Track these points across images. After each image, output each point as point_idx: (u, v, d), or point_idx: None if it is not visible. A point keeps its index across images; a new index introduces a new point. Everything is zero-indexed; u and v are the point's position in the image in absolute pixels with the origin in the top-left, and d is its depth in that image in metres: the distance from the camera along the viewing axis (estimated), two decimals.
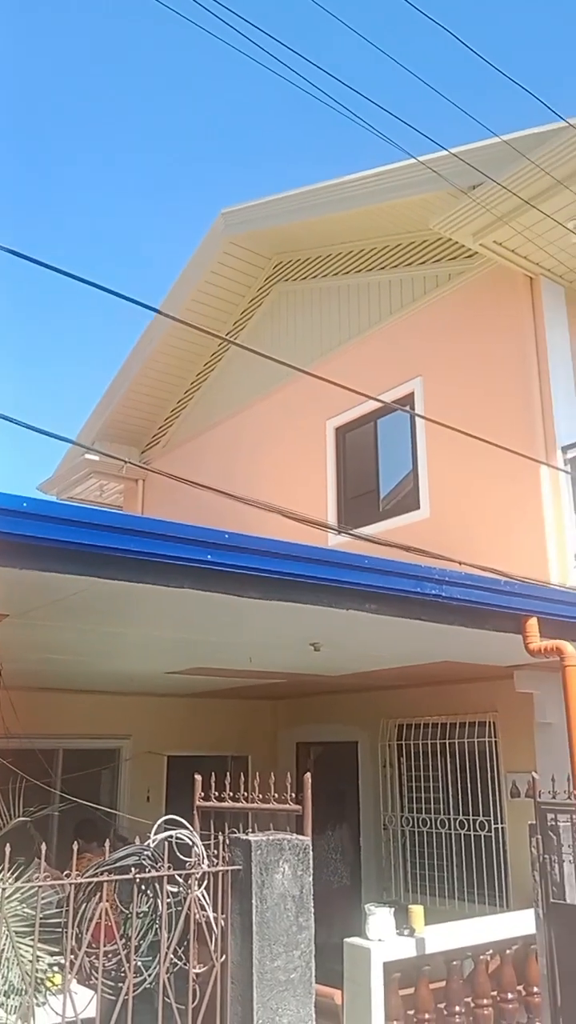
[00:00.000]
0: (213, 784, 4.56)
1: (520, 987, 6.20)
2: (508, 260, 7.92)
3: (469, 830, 8.00)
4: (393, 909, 5.91)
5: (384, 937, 5.71)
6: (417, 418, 9.17)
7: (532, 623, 5.59)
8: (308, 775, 4.29)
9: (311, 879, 4.01)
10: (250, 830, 4.18)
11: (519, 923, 5.90)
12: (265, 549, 4.33)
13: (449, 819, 8.23)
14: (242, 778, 4.60)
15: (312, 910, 4.00)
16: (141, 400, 12.96)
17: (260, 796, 4.40)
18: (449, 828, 8.22)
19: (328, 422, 10.23)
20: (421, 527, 8.54)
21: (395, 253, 9.76)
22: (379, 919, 5.76)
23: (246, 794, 4.48)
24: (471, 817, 8.00)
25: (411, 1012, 5.76)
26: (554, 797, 4.87)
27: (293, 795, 4.29)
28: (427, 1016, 5.76)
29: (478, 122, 5.21)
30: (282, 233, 10.69)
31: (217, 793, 4.54)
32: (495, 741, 7.95)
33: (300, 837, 4.05)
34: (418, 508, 8.95)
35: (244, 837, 3.96)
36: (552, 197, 6.96)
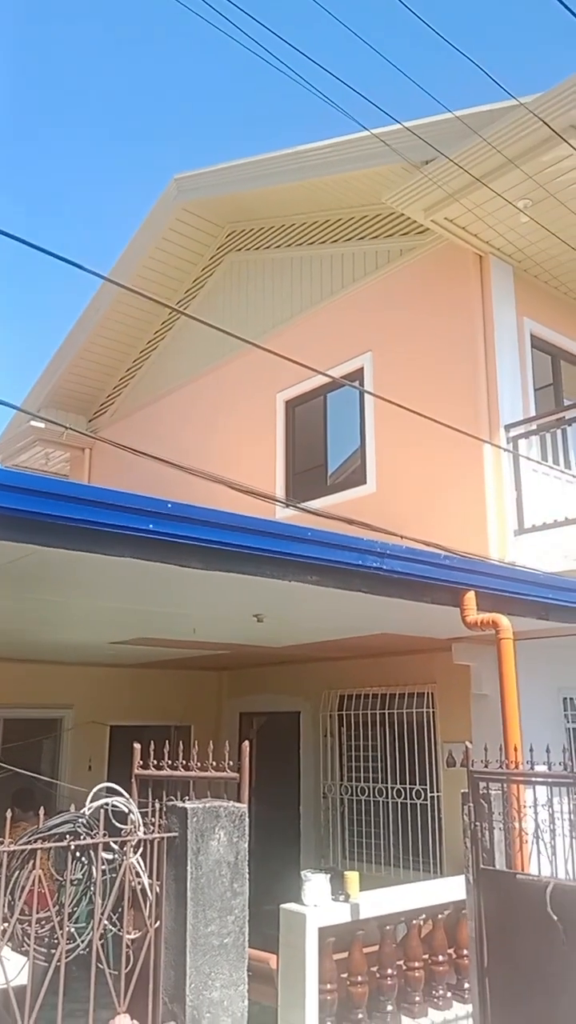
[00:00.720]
0: (152, 753, 4.57)
1: (451, 950, 6.39)
2: (458, 237, 7.94)
3: (406, 798, 8.18)
4: (329, 876, 6.02)
5: (320, 903, 5.82)
6: (366, 393, 9.21)
7: (470, 596, 5.69)
8: (246, 743, 4.33)
9: (247, 846, 4.05)
10: (188, 798, 4.20)
11: (451, 889, 6.06)
12: (207, 519, 4.32)
13: (387, 788, 8.39)
14: (181, 747, 4.62)
15: (247, 876, 4.05)
16: (89, 367, 12.76)
17: (198, 764, 4.43)
18: (387, 797, 8.39)
19: (278, 395, 10.21)
20: (368, 501, 8.61)
21: (348, 226, 9.72)
22: (315, 885, 5.86)
23: (185, 762, 4.50)
24: (408, 786, 8.17)
25: (344, 975, 5.90)
26: (486, 766, 5.00)
27: (231, 763, 4.33)
28: (360, 979, 5.91)
29: (431, 96, 5.19)
30: (235, 201, 10.56)
31: (156, 761, 4.55)
32: (433, 712, 8.11)
33: (236, 804, 4.09)
34: (365, 483, 9.02)
35: (180, 804, 3.98)
36: (503, 176, 6.98)
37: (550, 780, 4.75)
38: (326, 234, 10.02)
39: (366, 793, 8.62)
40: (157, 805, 4.05)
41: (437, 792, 7.88)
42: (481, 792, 4.98)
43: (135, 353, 12.66)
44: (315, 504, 8.40)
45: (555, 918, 4.37)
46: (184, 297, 11.83)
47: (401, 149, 7.22)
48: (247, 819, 4.07)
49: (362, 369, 9.30)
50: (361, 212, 9.46)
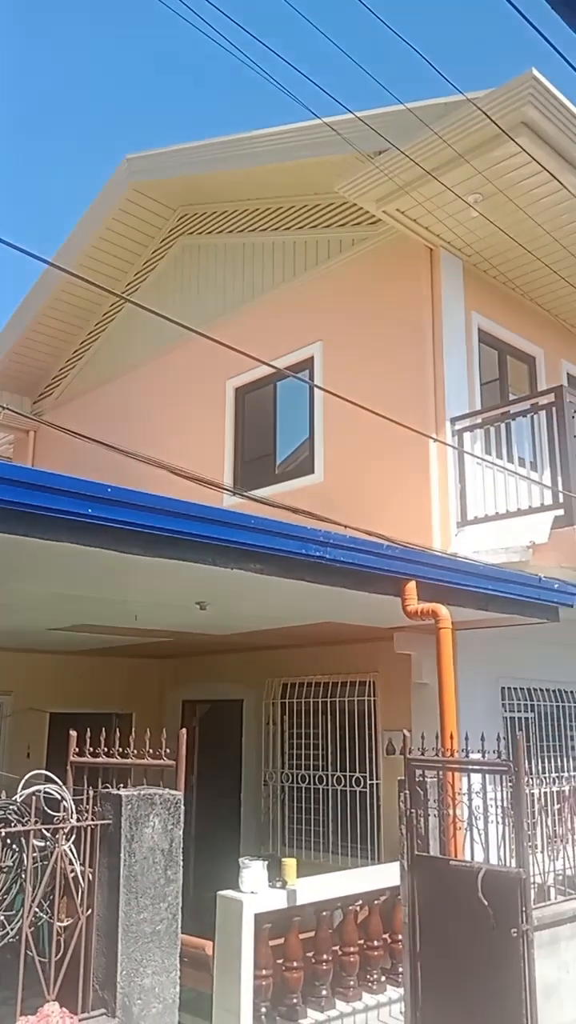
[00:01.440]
0: (89, 740, 4.53)
1: (386, 935, 6.48)
2: (410, 229, 7.97)
3: (346, 786, 8.24)
4: (267, 862, 6.05)
5: (257, 889, 5.84)
6: (316, 381, 9.20)
7: (411, 586, 5.74)
8: (183, 731, 4.31)
9: (181, 833, 4.04)
10: (123, 786, 4.17)
11: (388, 875, 6.13)
12: (148, 505, 4.27)
13: (327, 775, 8.45)
14: (118, 734, 4.58)
15: (181, 863, 4.04)
16: (35, 348, 12.51)
17: (135, 752, 4.39)
18: (327, 784, 8.44)
19: (228, 382, 10.15)
20: (315, 491, 8.63)
21: (302, 214, 9.68)
22: (252, 872, 5.88)
23: (121, 750, 4.47)
24: (349, 773, 8.24)
25: (280, 961, 5.94)
26: (423, 754, 5.06)
27: (168, 751, 4.30)
28: (295, 964, 5.96)
29: (383, 87, 5.17)
30: (188, 184, 10.43)
31: (92, 749, 4.50)
32: (374, 700, 8.18)
33: (172, 792, 4.07)
34: (313, 472, 9.03)
35: (115, 792, 3.95)
36: (453, 170, 7.01)
37: (485, 768, 4.84)
38: (279, 221, 9.97)
39: (307, 780, 8.66)
40: (92, 793, 4.01)
41: (377, 780, 7.96)
42: (417, 779, 5.05)
43: (83, 335, 12.45)
44: (263, 492, 8.38)
45: (485, 903, 4.46)
46: (134, 279, 11.67)
47: (354, 139, 7.20)
48: (182, 806, 4.06)
49: (312, 358, 9.29)
50: (314, 200, 9.43)
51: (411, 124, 6.93)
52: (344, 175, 7.73)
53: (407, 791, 5.02)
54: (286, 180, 9.45)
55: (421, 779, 5.05)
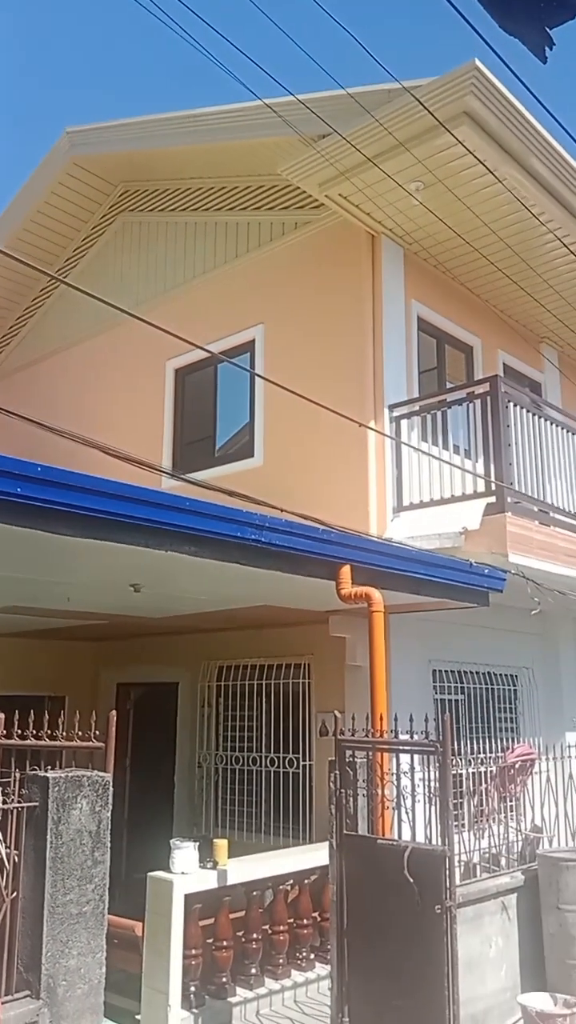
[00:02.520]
0: (17, 722, 4.46)
1: (316, 914, 6.59)
2: (352, 215, 7.98)
3: (279, 767, 8.31)
4: (198, 843, 6.08)
5: (187, 870, 5.88)
6: (257, 364, 9.17)
7: (345, 570, 5.80)
8: (112, 713, 4.29)
9: (109, 815, 4.03)
10: (52, 768, 4.13)
11: (319, 855, 6.22)
12: (80, 485, 4.21)
13: (261, 757, 8.51)
14: (47, 717, 4.53)
15: (109, 845, 4.03)
16: None
17: (64, 734, 4.35)
18: (261, 766, 8.50)
19: (168, 363, 10.05)
20: (255, 474, 8.62)
21: (245, 194, 9.61)
22: (183, 853, 5.91)
23: (50, 732, 4.42)
24: (282, 755, 8.31)
25: (210, 940, 5.99)
26: (353, 735, 5.14)
27: (97, 733, 4.28)
28: (225, 944, 6.02)
29: (324, 71, 5.15)
30: (130, 160, 10.26)
31: (20, 731, 4.44)
32: (309, 683, 8.26)
33: (100, 774, 4.05)
34: (253, 456, 9.02)
35: (42, 774, 3.91)
36: (395, 157, 7.03)
37: (413, 748, 4.93)
38: (222, 201, 9.88)
39: (241, 762, 8.71)
40: (19, 775, 3.97)
41: (310, 761, 8.05)
42: (347, 760, 5.12)
43: (18, 310, 12.17)
44: (202, 475, 8.35)
45: (411, 880, 4.56)
46: (73, 255, 11.45)
47: (298, 122, 7.16)
48: (111, 788, 4.04)
49: (254, 341, 9.26)
50: (258, 181, 9.37)
51: (356, 110, 6.92)
52: (288, 157, 7.69)
53: (337, 771, 5.08)
54: (230, 160, 9.36)
55: (351, 760, 5.13)
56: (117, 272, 11.03)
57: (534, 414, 7.79)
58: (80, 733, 4.33)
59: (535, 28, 1.45)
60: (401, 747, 5.01)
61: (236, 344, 9.35)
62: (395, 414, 7.95)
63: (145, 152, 9.93)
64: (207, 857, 6.12)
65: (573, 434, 8.27)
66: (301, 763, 8.14)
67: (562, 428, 8.15)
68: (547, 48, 1.47)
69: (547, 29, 1.47)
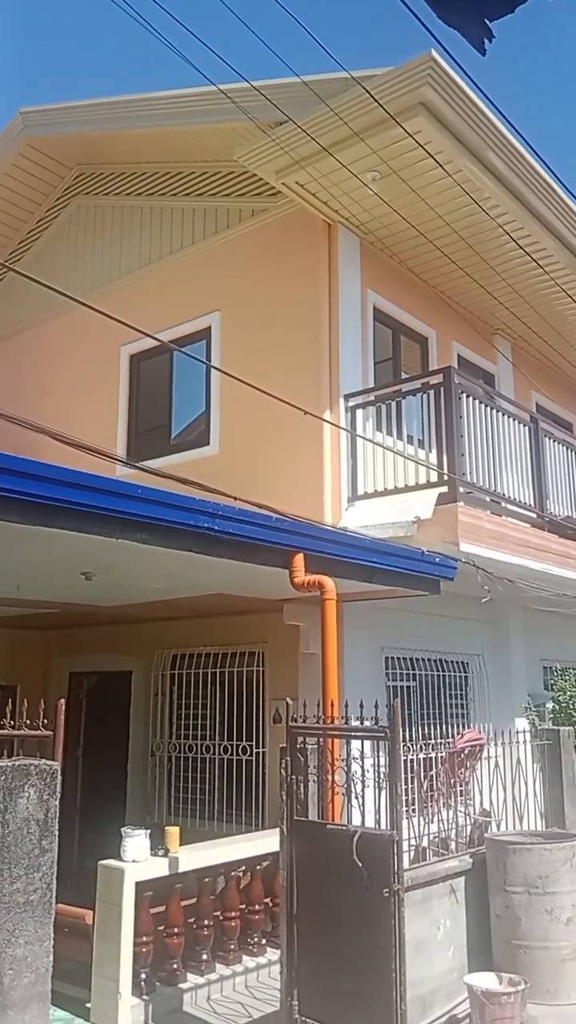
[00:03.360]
0: None
1: (267, 899, 6.64)
2: (309, 203, 7.97)
3: (233, 755, 8.33)
4: (150, 831, 6.08)
5: (138, 858, 5.87)
6: (213, 352, 9.14)
7: (299, 559, 5.82)
8: (61, 702, 4.26)
9: (57, 803, 4.00)
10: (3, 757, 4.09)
11: (271, 841, 6.25)
12: (25, 471, 4.16)
13: (215, 745, 8.52)
14: None
15: (57, 833, 4.00)
16: None
17: (11, 723, 4.31)
18: (214, 753, 8.52)
19: (123, 348, 9.95)
20: (211, 463, 8.59)
21: (202, 180, 9.53)
22: (135, 841, 5.90)
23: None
24: (236, 743, 8.33)
25: (161, 928, 6.00)
26: (304, 721, 5.17)
27: (45, 722, 4.24)
28: (176, 930, 6.04)
29: (280, 58, 5.13)
30: (85, 142, 10.10)
31: None
32: (263, 670, 8.28)
33: (49, 762, 4.02)
34: (208, 444, 8.98)
35: None
36: (350, 147, 7.03)
37: (363, 734, 4.98)
38: (179, 186, 9.79)
39: (194, 750, 8.71)
40: None
41: (263, 748, 8.08)
42: (299, 746, 5.15)
43: None
44: (157, 463, 8.28)
45: (360, 864, 4.61)
46: (27, 237, 11.26)
47: (255, 108, 7.12)
48: (59, 777, 4.02)
49: (210, 328, 9.21)
50: (215, 167, 9.30)
51: (314, 97, 6.90)
52: (245, 144, 7.65)
53: (288, 758, 5.11)
54: (186, 145, 9.28)
55: (302, 746, 5.16)
56: (72, 256, 10.88)
57: (487, 406, 7.88)
58: (28, 722, 4.30)
59: (475, 21, 1.47)
60: (351, 733, 5.06)
61: (192, 331, 9.29)
62: (351, 403, 7.98)
63: (100, 135, 9.80)
64: (159, 845, 6.12)
65: (524, 426, 8.39)
66: (254, 750, 8.17)
67: (514, 420, 8.26)
68: (486, 41, 1.48)
69: (487, 22, 1.49)
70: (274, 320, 8.56)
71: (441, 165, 7.05)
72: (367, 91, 6.22)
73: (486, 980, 5.43)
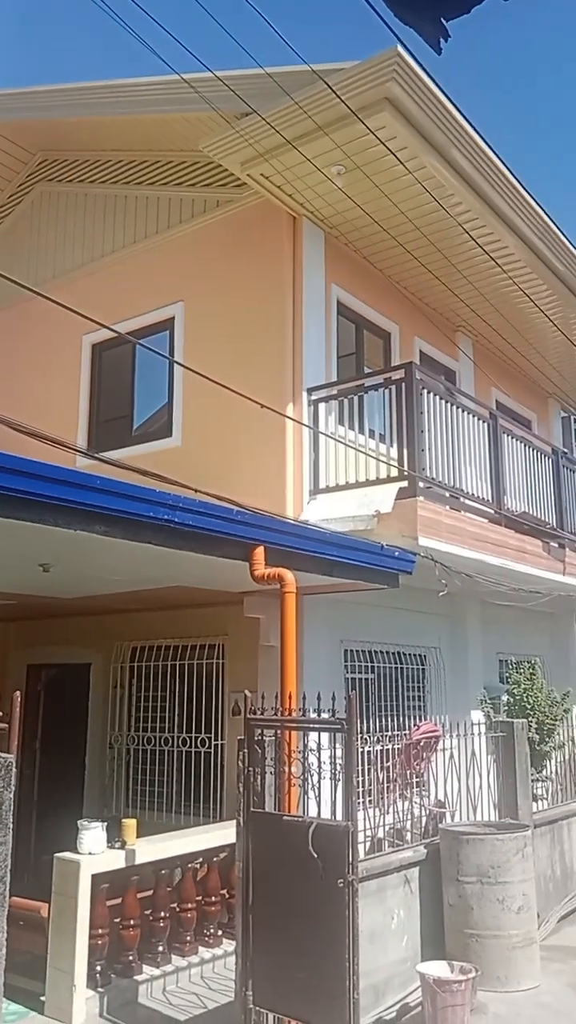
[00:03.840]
0: None
1: (224, 891, 6.66)
2: (274, 196, 7.96)
3: (192, 747, 8.33)
4: (106, 824, 6.06)
5: (95, 851, 5.86)
6: (177, 343, 9.09)
7: (259, 551, 5.83)
8: (17, 693, 4.21)
9: (11, 796, 3.96)
10: None
11: (228, 833, 6.26)
12: None
13: (174, 737, 8.51)
14: None
15: (11, 826, 3.96)
16: None
17: None
18: (173, 746, 8.50)
19: (85, 337, 9.85)
20: (173, 455, 8.56)
21: (167, 169, 9.46)
22: (91, 834, 5.88)
23: None
24: (195, 735, 8.32)
25: (117, 920, 5.99)
26: (262, 713, 5.19)
27: (0, 714, 4.19)
28: (132, 922, 6.03)
29: (244, 49, 5.10)
30: (50, 128, 9.97)
31: None
32: (223, 663, 8.28)
33: (3, 754, 3.97)
34: (171, 436, 8.95)
35: None
36: (314, 141, 7.02)
37: (320, 726, 5.01)
38: (144, 175, 9.70)
39: (153, 743, 8.69)
40: None
41: (222, 741, 8.09)
42: (256, 738, 5.17)
43: None
44: (118, 454, 8.21)
45: (315, 855, 4.64)
46: None
47: (219, 99, 7.08)
48: (14, 769, 3.97)
49: (173, 319, 9.16)
50: (181, 157, 9.23)
51: (280, 90, 6.88)
52: (211, 134, 7.61)
53: (246, 750, 5.13)
54: (153, 133, 9.20)
55: (260, 738, 5.17)
56: (34, 243, 10.74)
57: (448, 402, 7.95)
58: None
59: (431, 20, 1.48)
60: (308, 725, 5.09)
61: (155, 321, 9.24)
62: (313, 397, 8.00)
63: (65, 121, 9.67)
64: (116, 837, 6.11)
65: (484, 422, 8.49)
66: (213, 743, 8.18)
67: (474, 416, 8.35)
68: (442, 40, 1.50)
69: (443, 21, 1.50)
70: (238, 311, 8.54)
71: (402, 163, 7.08)
72: (329, 87, 6.22)
73: (438, 968, 5.52)
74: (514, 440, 8.96)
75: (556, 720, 8.56)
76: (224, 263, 8.79)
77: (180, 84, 7.69)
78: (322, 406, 7.98)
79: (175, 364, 8.93)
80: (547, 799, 8.30)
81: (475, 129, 7.29)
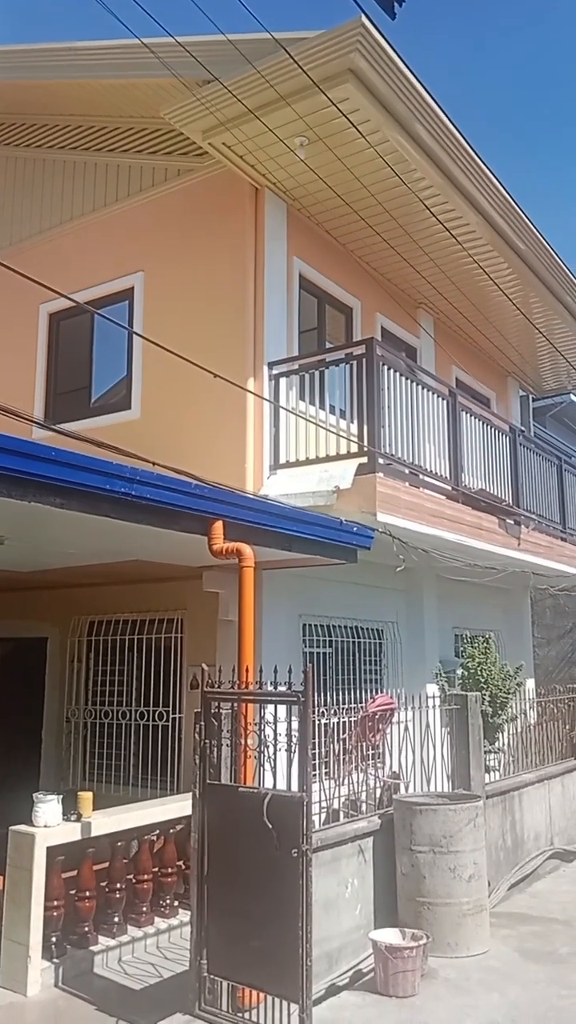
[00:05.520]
0: None
1: (181, 862, 6.70)
2: (236, 165, 7.85)
3: (149, 721, 8.34)
4: (63, 797, 6.06)
5: (50, 823, 5.85)
6: (136, 314, 8.97)
7: (218, 526, 5.82)
8: None
9: None
10: None
11: (185, 805, 6.29)
12: None
13: (131, 711, 8.51)
14: None
15: None
16: None
17: None
18: (130, 719, 8.51)
19: (42, 306, 9.68)
20: (132, 427, 8.48)
21: (128, 136, 9.28)
22: (46, 807, 5.87)
23: None
24: (153, 708, 8.33)
25: (73, 892, 6.00)
26: (219, 687, 5.21)
27: None
28: (88, 894, 6.05)
29: (206, 16, 4.99)
30: (7, 90, 9.69)
31: None
32: (182, 637, 8.28)
33: None
34: (130, 408, 8.86)
35: None
36: (277, 111, 6.92)
37: (276, 699, 5.05)
38: (104, 141, 9.51)
39: (110, 716, 8.68)
40: None
41: (179, 714, 8.11)
42: (213, 711, 5.20)
43: None
44: (75, 426, 8.12)
45: (269, 826, 4.70)
46: None
47: (181, 65, 6.93)
48: None
49: (133, 289, 9.04)
50: (142, 124, 9.05)
51: (242, 58, 6.76)
52: (172, 101, 7.46)
53: (203, 723, 5.16)
54: (113, 98, 9.00)
55: (217, 711, 5.20)
56: None
57: (408, 379, 7.97)
58: None
59: None
60: (265, 698, 5.13)
61: (115, 291, 9.10)
62: (275, 371, 7.97)
63: (21, 84, 9.42)
64: (72, 810, 6.11)
65: (443, 400, 8.53)
66: (171, 716, 8.20)
67: (434, 393, 8.38)
68: (397, 4, 1.48)
69: None
70: (199, 282, 8.44)
71: (364, 136, 7.04)
72: (291, 56, 6.13)
73: (390, 936, 5.64)
74: (473, 418, 9.03)
75: (509, 693, 8.73)
76: (185, 233, 8.67)
77: (142, 49, 7.52)
78: (283, 380, 7.95)
79: (135, 335, 8.82)
80: (499, 771, 8.48)
81: (438, 104, 7.26)
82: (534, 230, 9.22)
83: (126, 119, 9.17)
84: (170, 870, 6.67)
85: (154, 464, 5.65)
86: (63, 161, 9.94)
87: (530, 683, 11.11)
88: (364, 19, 6.37)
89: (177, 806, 6.63)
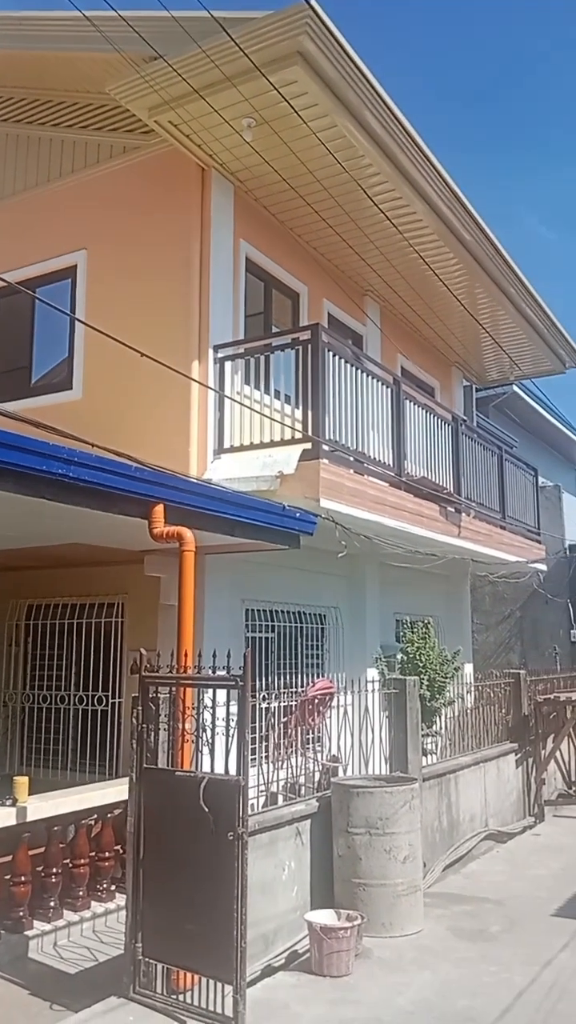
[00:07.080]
0: None
1: (118, 847, 6.67)
2: (182, 144, 7.74)
3: (88, 705, 8.27)
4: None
5: None
6: (79, 293, 8.82)
7: (159, 509, 5.77)
8: None
9: None
10: None
11: (123, 789, 6.25)
12: None
13: (70, 695, 8.43)
14: None
15: None
16: None
17: None
18: (69, 704, 8.43)
19: None
20: (73, 408, 8.35)
21: (72, 111, 9.07)
22: None
23: None
24: (92, 693, 8.27)
25: (8, 877, 5.94)
26: (157, 671, 5.19)
27: None
28: (23, 879, 5.99)
29: None
30: None
31: None
32: (122, 621, 8.22)
33: None
34: (71, 388, 8.71)
35: None
36: (223, 91, 6.82)
37: (214, 683, 5.05)
38: (47, 115, 9.28)
39: (49, 701, 8.58)
40: None
41: (119, 698, 8.06)
42: (151, 696, 5.17)
43: None
44: (15, 406, 7.95)
45: (206, 809, 4.71)
46: None
47: (125, 40, 6.78)
48: None
49: (76, 267, 8.88)
50: (87, 99, 8.85)
51: (187, 36, 6.65)
52: (118, 77, 7.31)
53: (140, 707, 5.13)
54: (58, 71, 8.77)
55: (155, 695, 5.18)
56: None
57: (353, 366, 7.99)
58: None
59: None
60: (203, 682, 5.12)
61: (57, 268, 8.94)
62: (220, 355, 7.91)
63: None
64: (7, 795, 6.04)
65: (388, 387, 8.59)
66: (110, 701, 8.14)
67: (379, 382, 8.43)
68: None
69: None
70: (144, 262, 8.32)
71: (306, 122, 6.98)
72: (232, 39, 6.03)
73: (325, 916, 5.71)
74: (416, 406, 9.11)
75: (447, 678, 8.88)
76: (130, 212, 8.53)
77: (83, 22, 7.35)
78: (228, 364, 7.90)
79: (76, 313, 8.67)
80: (437, 754, 8.63)
81: (387, 92, 7.25)
82: (479, 221, 9.31)
83: (73, 93, 8.95)
84: (107, 854, 6.64)
85: (93, 446, 5.57)
86: (5, 134, 9.69)
87: (468, 668, 11.32)
88: (312, 1, 6.32)
89: (115, 790, 6.59)
